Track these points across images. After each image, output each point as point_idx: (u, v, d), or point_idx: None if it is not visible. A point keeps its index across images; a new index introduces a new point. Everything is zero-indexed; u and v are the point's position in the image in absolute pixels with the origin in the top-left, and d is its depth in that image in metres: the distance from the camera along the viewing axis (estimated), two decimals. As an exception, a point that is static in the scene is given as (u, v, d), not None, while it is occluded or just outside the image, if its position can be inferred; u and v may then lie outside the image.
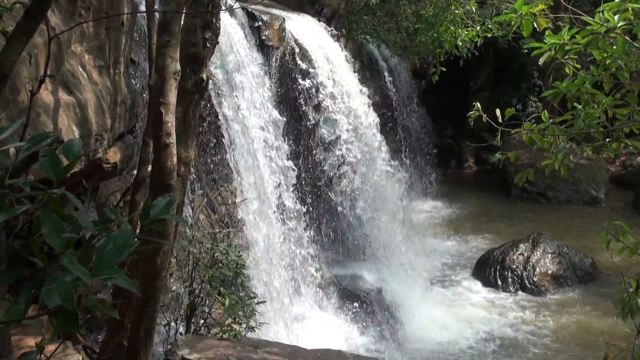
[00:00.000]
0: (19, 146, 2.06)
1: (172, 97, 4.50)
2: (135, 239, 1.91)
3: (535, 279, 12.99)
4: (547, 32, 4.65)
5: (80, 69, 5.53)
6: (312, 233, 11.47)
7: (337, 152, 12.33)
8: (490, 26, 12.58)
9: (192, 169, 7.03)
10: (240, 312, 6.83)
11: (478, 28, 12.49)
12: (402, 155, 17.07)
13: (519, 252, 13.37)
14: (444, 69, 12.76)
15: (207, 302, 6.93)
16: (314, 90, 11.90)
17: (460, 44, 12.73)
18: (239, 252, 7.12)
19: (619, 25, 4.25)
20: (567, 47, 4.50)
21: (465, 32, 12.45)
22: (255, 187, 9.53)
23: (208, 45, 5.00)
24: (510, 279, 13.04)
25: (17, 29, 3.13)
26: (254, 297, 7.24)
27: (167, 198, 2.09)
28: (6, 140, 2.08)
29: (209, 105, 9.08)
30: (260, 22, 10.85)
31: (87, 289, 1.86)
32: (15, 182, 1.91)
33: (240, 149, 9.35)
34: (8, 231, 2.01)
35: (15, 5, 3.96)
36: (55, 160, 1.96)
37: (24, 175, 4.25)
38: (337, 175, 12.50)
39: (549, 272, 13.15)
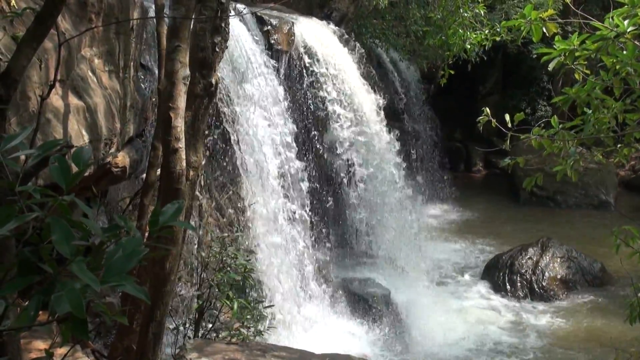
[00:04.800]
0: (30, 153, 2.08)
1: (182, 101, 4.51)
2: (144, 246, 1.92)
3: (544, 284, 12.92)
4: (556, 38, 4.63)
5: (90, 74, 5.55)
6: (320, 237, 11.45)
7: (345, 156, 12.31)
8: (499, 29, 12.56)
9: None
10: (248, 316, 6.85)
11: (487, 31, 12.47)
12: (411, 159, 17.05)
13: (527, 257, 13.30)
14: (452, 72, 12.75)
15: (216, 306, 6.94)
16: (322, 93, 11.89)
17: (469, 46, 12.72)
18: (247, 256, 7.12)
19: (628, 30, 4.24)
20: (577, 53, 4.48)
21: (474, 35, 12.44)
22: (263, 190, 9.53)
23: (217, 49, 5.00)
24: (519, 284, 12.98)
25: (28, 34, 3.15)
26: (262, 301, 7.25)
27: (175, 205, 2.09)
28: (17, 147, 2.10)
29: (217, 109, 9.10)
30: (269, 26, 10.85)
31: (96, 295, 1.87)
32: (25, 189, 1.92)
33: (249, 153, 9.35)
34: (18, 238, 2.02)
35: (26, 11, 3.98)
36: (65, 167, 1.97)
37: (33, 180, 4.28)
38: (345, 179, 12.49)
39: (558, 276, 13.07)
